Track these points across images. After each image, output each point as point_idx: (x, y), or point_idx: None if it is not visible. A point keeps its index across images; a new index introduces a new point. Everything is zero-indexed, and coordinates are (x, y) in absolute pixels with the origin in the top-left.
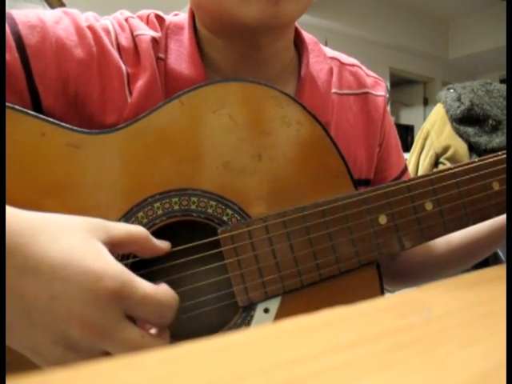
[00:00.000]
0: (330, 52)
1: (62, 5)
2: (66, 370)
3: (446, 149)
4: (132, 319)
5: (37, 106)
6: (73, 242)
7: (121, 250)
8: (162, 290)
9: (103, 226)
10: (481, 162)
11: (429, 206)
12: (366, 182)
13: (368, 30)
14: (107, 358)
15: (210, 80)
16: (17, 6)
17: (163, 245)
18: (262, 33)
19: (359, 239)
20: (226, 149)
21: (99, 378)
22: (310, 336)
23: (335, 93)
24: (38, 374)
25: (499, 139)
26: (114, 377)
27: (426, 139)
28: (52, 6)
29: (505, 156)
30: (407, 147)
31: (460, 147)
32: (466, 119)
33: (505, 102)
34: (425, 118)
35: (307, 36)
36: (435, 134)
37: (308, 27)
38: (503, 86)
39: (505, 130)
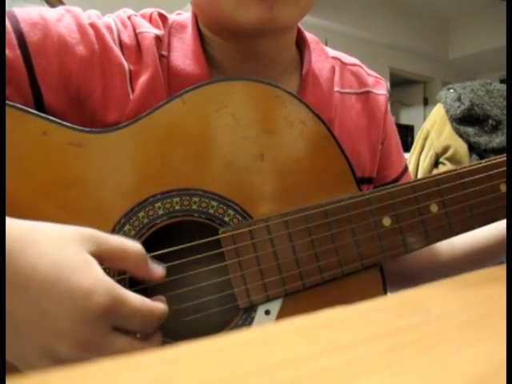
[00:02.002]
0: (331, 52)
1: (62, 4)
2: (65, 370)
3: (446, 149)
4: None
5: (39, 103)
6: (62, 256)
7: (111, 264)
8: (149, 302)
9: (94, 238)
10: (488, 163)
11: (434, 208)
12: (369, 180)
13: (368, 30)
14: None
15: (213, 78)
16: (16, 6)
17: (158, 270)
18: (260, 35)
19: (362, 241)
20: (228, 148)
21: (99, 378)
22: (310, 336)
23: (337, 91)
24: (37, 374)
25: (499, 139)
26: (114, 377)
27: (426, 139)
28: (51, 5)
29: None
30: (407, 147)
31: (460, 147)
32: (466, 119)
33: (505, 102)
34: (425, 118)
35: (309, 35)
36: (435, 134)
37: (308, 27)
38: (503, 86)
39: (505, 130)
